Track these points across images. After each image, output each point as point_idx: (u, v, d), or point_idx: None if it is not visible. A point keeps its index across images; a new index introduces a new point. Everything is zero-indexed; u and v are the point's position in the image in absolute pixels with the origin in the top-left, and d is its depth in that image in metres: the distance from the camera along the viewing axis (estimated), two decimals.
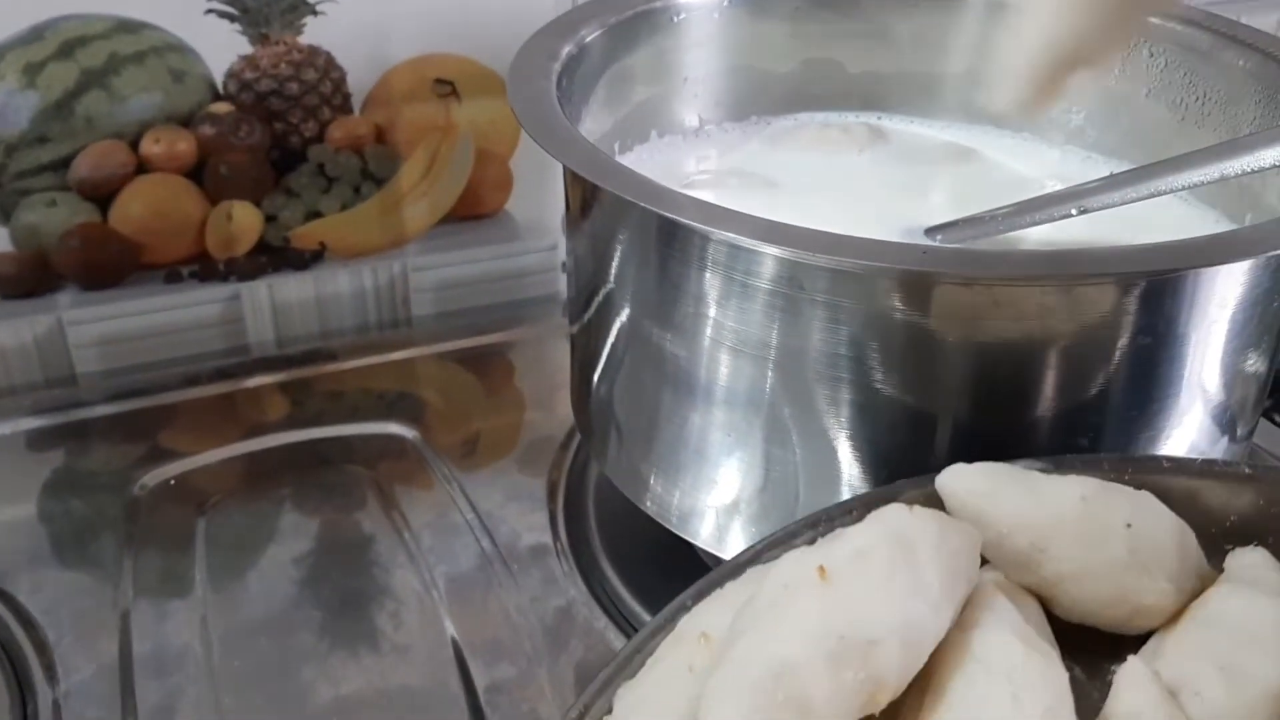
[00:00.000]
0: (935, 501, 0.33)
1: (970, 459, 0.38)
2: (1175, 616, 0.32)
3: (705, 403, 0.42)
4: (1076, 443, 0.38)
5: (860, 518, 0.33)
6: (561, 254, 0.68)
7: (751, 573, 0.33)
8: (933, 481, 0.34)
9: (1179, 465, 0.34)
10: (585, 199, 0.44)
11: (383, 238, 0.64)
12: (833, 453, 0.40)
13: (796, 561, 0.29)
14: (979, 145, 0.57)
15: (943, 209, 0.51)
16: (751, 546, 0.34)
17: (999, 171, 0.56)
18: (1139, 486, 0.33)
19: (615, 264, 0.43)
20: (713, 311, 0.40)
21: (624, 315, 0.44)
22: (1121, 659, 0.31)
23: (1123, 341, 0.37)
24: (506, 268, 0.68)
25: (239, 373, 0.62)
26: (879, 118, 0.59)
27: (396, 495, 0.54)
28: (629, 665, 0.31)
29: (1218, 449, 0.42)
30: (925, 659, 0.28)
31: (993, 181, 0.55)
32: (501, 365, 0.65)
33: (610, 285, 0.44)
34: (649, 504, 0.46)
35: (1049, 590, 0.32)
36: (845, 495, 0.40)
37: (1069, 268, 0.34)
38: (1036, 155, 0.57)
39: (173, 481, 0.54)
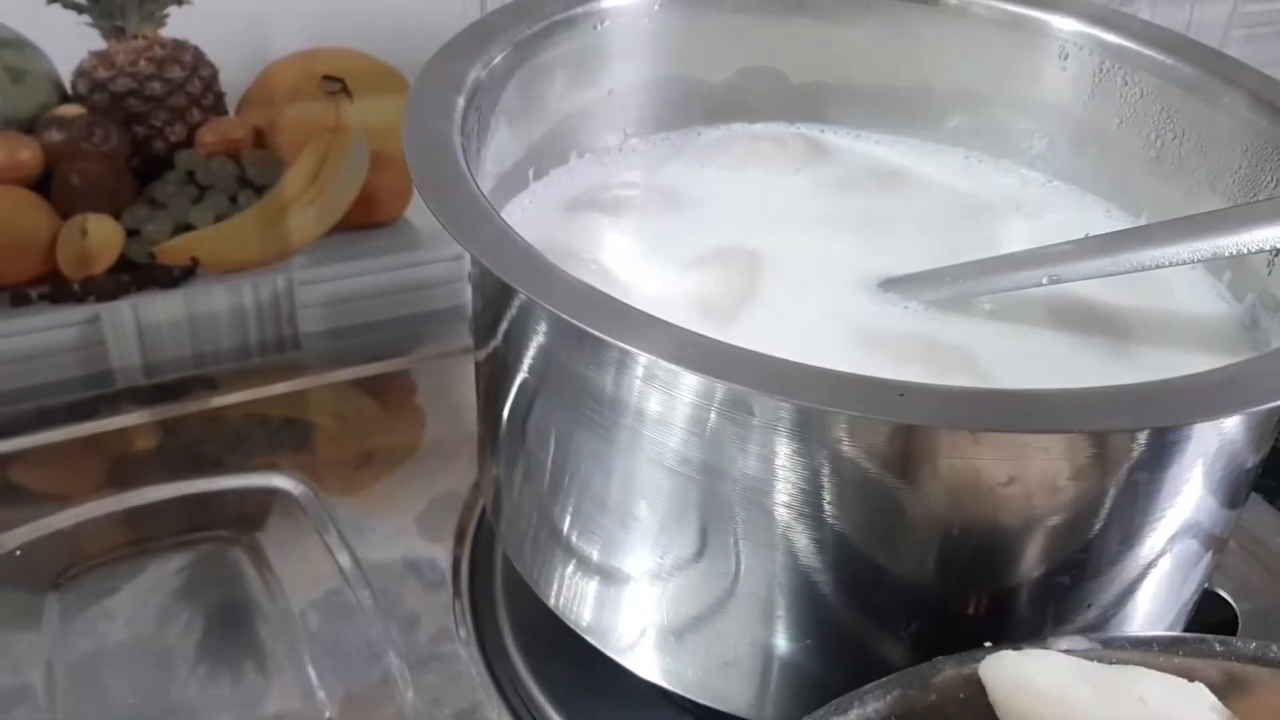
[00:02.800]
0: (974, 685, 0.30)
1: (939, 607, 0.34)
2: None
3: (624, 508, 0.36)
4: (1058, 580, 0.34)
5: (892, 702, 0.30)
6: (467, 263, 0.62)
7: None
8: (974, 660, 0.30)
9: (1230, 650, 0.32)
10: None
11: (264, 250, 0.57)
12: (770, 581, 0.35)
13: None
14: (929, 166, 0.52)
15: (893, 245, 0.46)
16: None
17: (951, 197, 0.50)
18: (1189, 672, 0.30)
19: (518, 351, 0.37)
20: (631, 419, 0.34)
21: (528, 393, 0.38)
22: None
23: (1114, 481, 0.32)
24: (406, 279, 0.61)
25: (102, 408, 0.54)
26: (820, 130, 0.53)
27: (277, 566, 0.47)
28: None
29: (1220, 527, 0.38)
30: None
31: (945, 210, 0.49)
32: (403, 391, 0.58)
33: (522, 372, 0.38)
34: (555, 604, 0.41)
35: None
36: (780, 629, 0.35)
37: (1059, 420, 0.29)
38: (992, 178, 0.52)
39: (19, 552, 0.47)
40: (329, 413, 0.57)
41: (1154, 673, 0.30)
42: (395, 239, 0.60)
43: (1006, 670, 0.30)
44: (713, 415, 0.32)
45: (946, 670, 0.30)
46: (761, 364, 0.30)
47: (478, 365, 0.42)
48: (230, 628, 0.45)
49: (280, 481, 0.51)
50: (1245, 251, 0.36)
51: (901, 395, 0.28)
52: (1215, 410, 0.29)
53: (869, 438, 0.30)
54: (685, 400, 0.32)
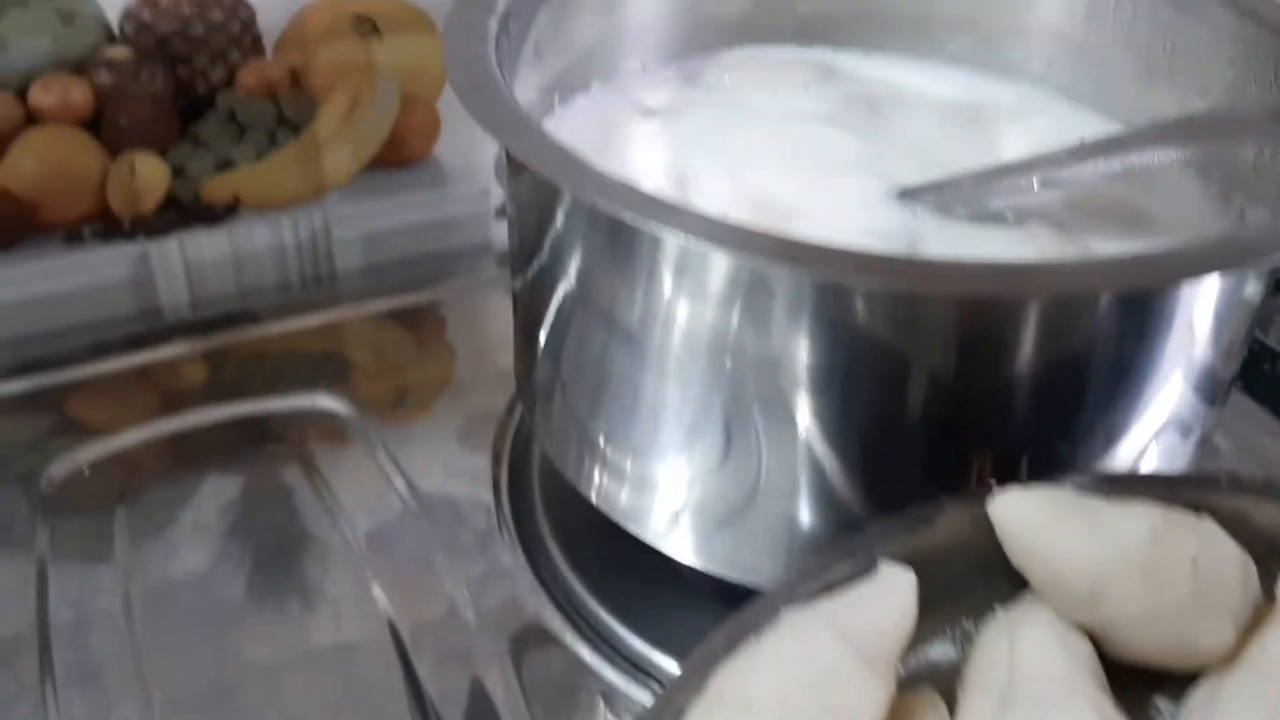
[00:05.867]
0: (981, 524, 0.31)
1: (945, 467, 0.37)
2: (1229, 654, 0.31)
3: (658, 397, 0.39)
4: (1049, 449, 0.36)
5: (900, 543, 0.32)
6: (494, 200, 0.65)
7: (789, 615, 0.30)
8: (979, 503, 0.31)
9: (1237, 485, 0.33)
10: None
11: (302, 187, 0.60)
12: (795, 456, 0.37)
13: None
14: (933, 84, 0.54)
15: (903, 155, 0.48)
16: (784, 580, 0.32)
17: (955, 112, 0.53)
18: (1195, 507, 0.31)
19: (560, 250, 0.40)
20: (664, 308, 0.37)
21: (570, 291, 0.41)
22: (1164, 690, 0.30)
23: (1101, 350, 0.35)
24: (436, 216, 0.64)
25: (152, 340, 0.57)
26: (832, 52, 0.56)
27: (328, 477, 0.51)
28: None
29: (1201, 418, 0.41)
30: None
31: (950, 122, 0.52)
32: (435, 324, 0.61)
33: (557, 269, 0.40)
34: (594, 496, 0.44)
35: (1104, 631, 0.31)
36: (805, 501, 0.38)
37: (1045, 285, 0.32)
38: (994, 95, 0.54)
39: (86, 471, 0.51)
40: (367, 342, 0.60)
41: (1163, 508, 0.31)
42: (424, 177, 0.62)
43: (1015, 508, 0.31)
44: (737, 296, 0.35)
45: (952, 511, 0.32)
46: (780, 242, 0.32)
47: (514, 279, 0.45)
48: (289, 532, 0.48)
49: (325, 402, 0.54)
50: (1220, 150, 0.39)
51: (904, 267, 0.31)
52: (1180, 274, 0.32)
53: (872, 309, 0.33)
54: (711, 283, 0.35)
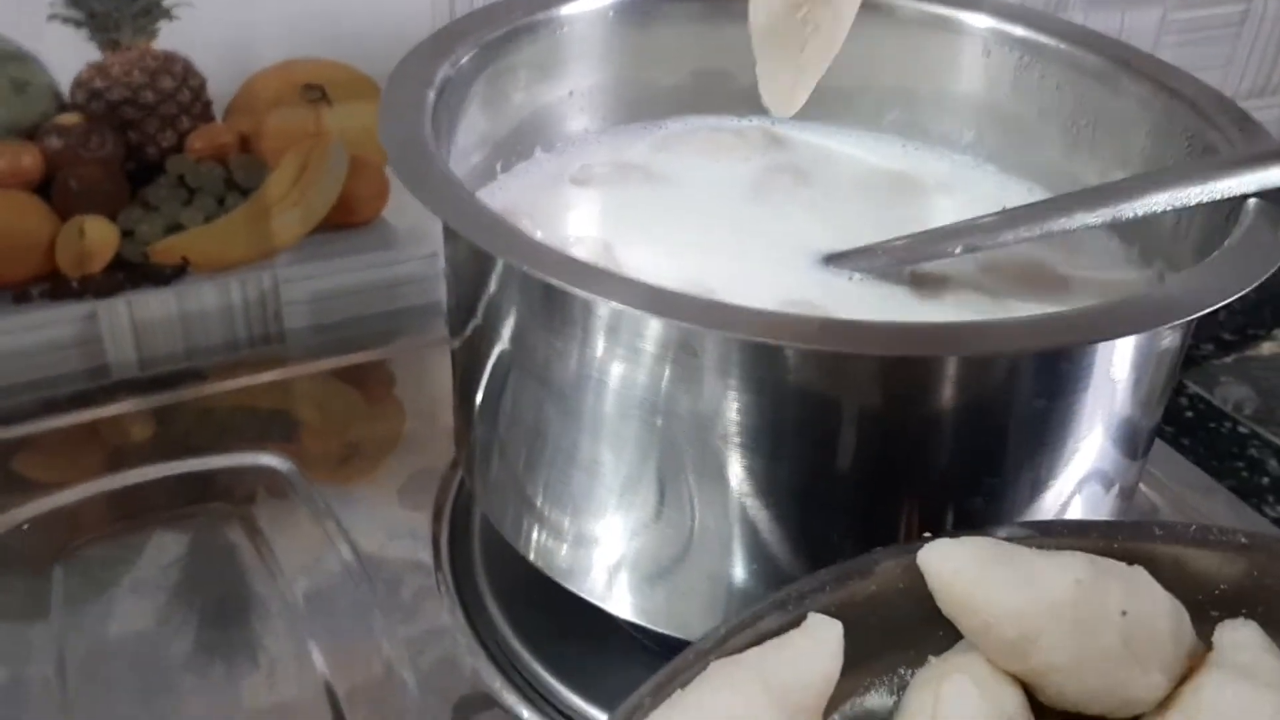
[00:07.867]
0: (915, 574, 0.32)
1: (872, 522, 0.38)
2: (1165, 700, 0.31)
3: (592, 457, 0.40)
4: (973, 502, 0.38)
5: (833, 594, 0.32)
6: (442, 261, 0.65)
7: (716, 666, 0.31)
8: (912, 553, 0.32)
9: (1171, 533, 0.33)
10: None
11: (250, 250, 0.60)
12: (727, 512, 0.38)
13: None
14: (870, 154, 0.56)
15: (838, 222, 0.50)
16: (714, 631, 0.32)
17: (889, 180, 0.54)
18: (1129, 556, 0.32)
19: (494, 315, 0.41)
20: (596, 370, 0.38)
21: (505, 353, 0.41)
22: None
23: (1018, 406, 0.36)
24: (384, 276, 0.65)
25: (99, 398, 0.58)
26: (772, 122, 0.57)
27: (270, 536, 0.51)
28: None
29: (1122, 472, 0.42)
30: None
31: (884, 190, 0.54)
32: (382, 382, 0.62)
33: (492, 332, 0.41)
34: (533, 555, 0.44)
35: (1035, 679, 0.31)
36: (738, 557, 0.39)
37: (959, 345, 0.33)
38: (927, 163, 0.56)
39: (26, 526, 0.51)
40: (313, 400, 0.60)
41: (1092, 557, 0.32)
42: (373, 238, 0.63)
43: (944, 557, 0.31)
44: (665, 359, 0.36)
45: (885, 561, 0.32)
46: (702, 305, 0.34)
47: (453, 339, 0.46)
48: (228, 592, 0.49)
49: (269, 460, 0.55)
50: (1135, 215, 0.41)
51: (820, 328, 0.32)
52: (1096, 334, 0.34)
53: (796, 370, 0.34)
54: (640, 346, 0.36)
